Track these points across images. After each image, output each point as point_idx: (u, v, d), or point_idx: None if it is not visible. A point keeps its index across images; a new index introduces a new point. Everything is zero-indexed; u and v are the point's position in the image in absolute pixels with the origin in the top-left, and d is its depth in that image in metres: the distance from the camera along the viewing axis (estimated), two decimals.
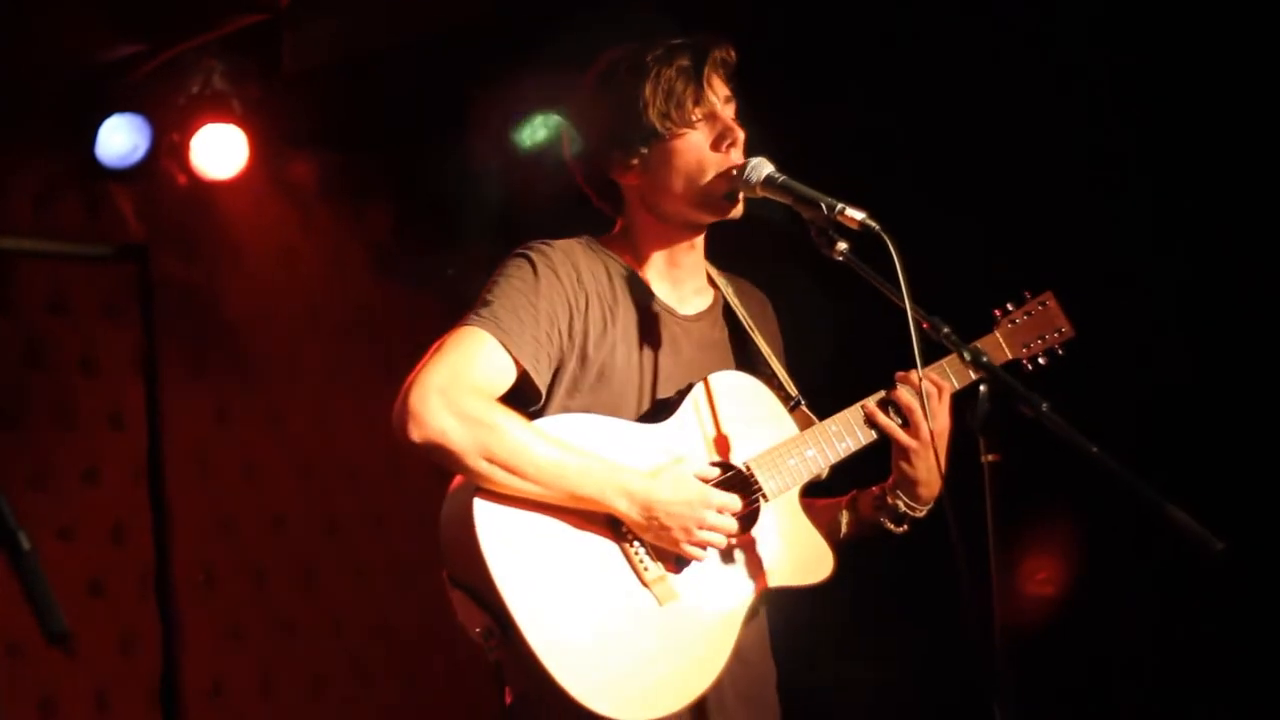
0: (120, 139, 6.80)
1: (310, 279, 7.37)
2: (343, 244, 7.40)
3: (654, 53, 3.75)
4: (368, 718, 7.50)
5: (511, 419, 3.52)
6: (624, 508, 3.55)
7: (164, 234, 7.18)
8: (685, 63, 3.74)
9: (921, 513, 3.87)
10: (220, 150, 6.91)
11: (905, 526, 3.91)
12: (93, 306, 7.10)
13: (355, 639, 7.55)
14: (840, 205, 3.49)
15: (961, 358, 3.43)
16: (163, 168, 6.91)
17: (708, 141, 3.75)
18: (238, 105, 6.89)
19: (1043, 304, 4.18)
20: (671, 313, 3.86)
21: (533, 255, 3.73)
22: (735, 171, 3.71)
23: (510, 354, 3.61)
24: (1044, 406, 3.19)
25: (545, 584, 3.47)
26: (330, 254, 7.39)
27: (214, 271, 7.22)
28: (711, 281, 4.00)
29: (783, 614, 3.85)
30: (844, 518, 3.96)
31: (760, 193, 3.68)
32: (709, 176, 3.74)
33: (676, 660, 3.56)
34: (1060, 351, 4.16)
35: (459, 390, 3.51)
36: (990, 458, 3.20)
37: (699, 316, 3.92)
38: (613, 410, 3.71)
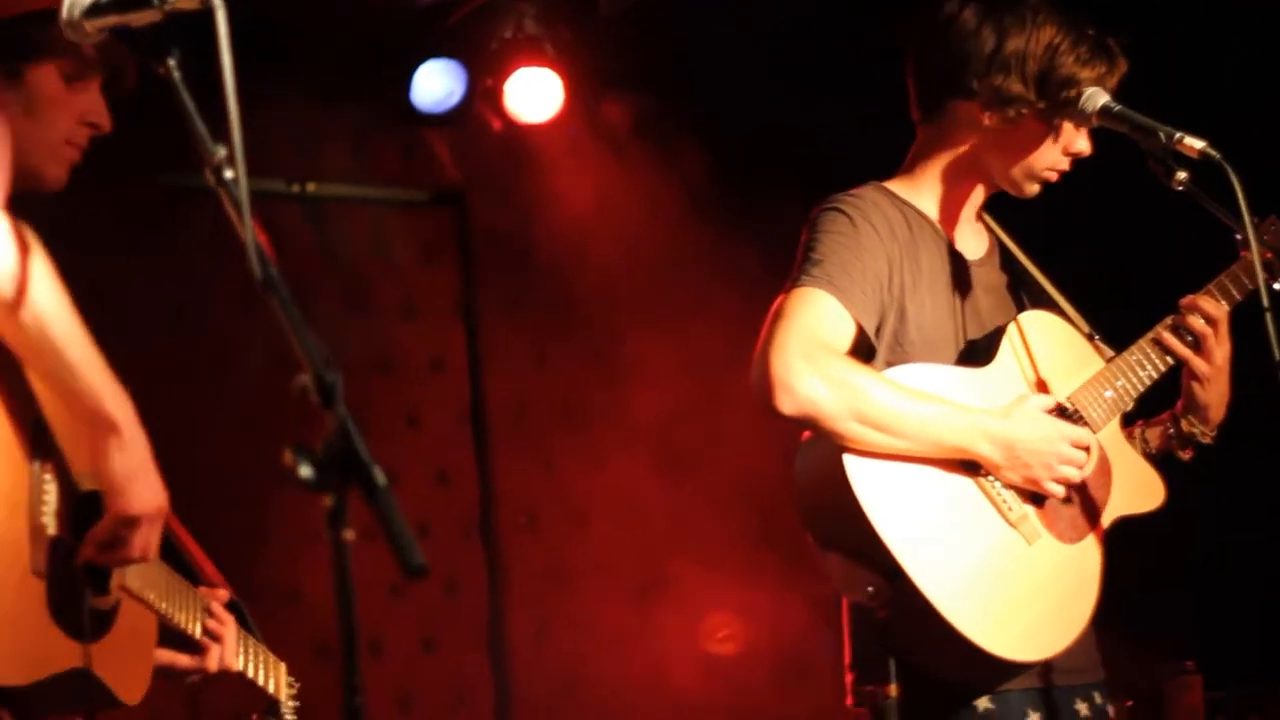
0: (435, 84, 6.89)
1: (625, 221, 7.36)
2: (657, 185, 7.37)
3: (1088, 43, 3.62)
4: (698, 649, 7.46)
5: (873, 377, 3.50)
6: (986, 451, 3.52)
7: (480, 179, 7.28)
8: (1100, 71, 3.63)
9: (1209, 438, 3.84)
10: (534, 94, 6.96)
11: (1191, 451, 3.87)
12: (412, 252, 7.20)
13: (679, 575, 7.52)
14: (1179, 134, 3.44)
15: None
16: (477, 112, 7.00)
17: (1058, 145, 3.68)
18: (551, 48, 6.91)
19: None
20: (963, 257, 3.79)
21: (846, 209, 3.64)
22: (1057, 173, 3.70)
23: (849, 312, 3.55)
24: None
25: (927, 534, 3.47)
26: (645, 196, 7.36)
27: (530, 215, 7.28)
28: (983, 223, 3.90)
29: None
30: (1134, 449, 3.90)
31: (1096, 122, 3.60)
32: (1037, 169, 3.70)
33: (1054, 596, 3.57)
34: None
35: (820, 354, 3.47)
36: None
37: (982, 260, 3.84)
38: (931, 361, 3.65)
